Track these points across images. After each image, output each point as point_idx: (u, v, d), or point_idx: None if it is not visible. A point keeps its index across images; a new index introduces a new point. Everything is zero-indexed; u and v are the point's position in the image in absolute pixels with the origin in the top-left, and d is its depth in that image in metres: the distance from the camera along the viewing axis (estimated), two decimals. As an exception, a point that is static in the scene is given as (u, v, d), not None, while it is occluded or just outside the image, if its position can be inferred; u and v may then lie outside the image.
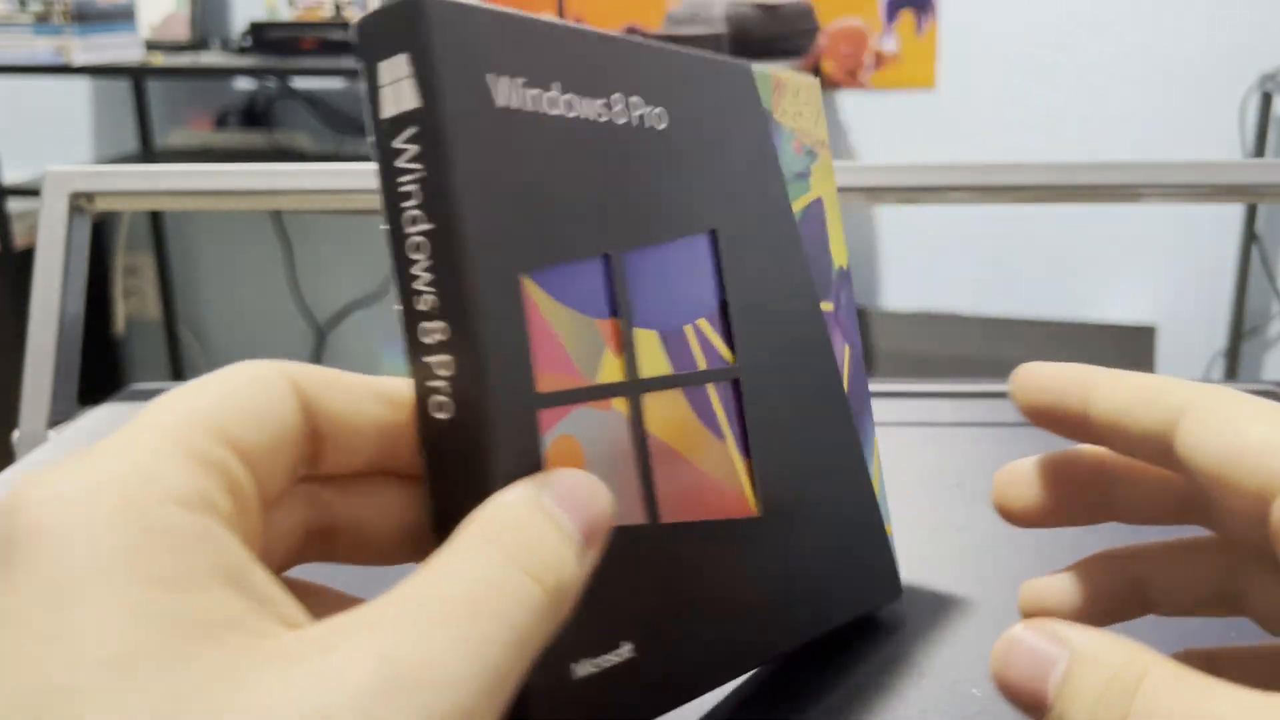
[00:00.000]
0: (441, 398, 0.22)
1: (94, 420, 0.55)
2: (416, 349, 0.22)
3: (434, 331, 0.22)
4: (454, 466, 0.22)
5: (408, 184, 0.22)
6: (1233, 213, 2.05)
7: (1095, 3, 2.01)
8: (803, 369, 0.31)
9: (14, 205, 2.09)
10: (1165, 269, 2.13)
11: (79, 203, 0.56)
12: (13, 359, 0.69)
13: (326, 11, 2.11)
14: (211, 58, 2.08)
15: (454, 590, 0.18)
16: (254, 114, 2.35)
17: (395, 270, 0.22)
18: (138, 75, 2.27)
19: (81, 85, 2.42)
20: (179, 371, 2.51)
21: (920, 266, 2.23)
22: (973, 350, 2.00)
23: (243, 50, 2.07)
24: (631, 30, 2.17)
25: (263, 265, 2.46)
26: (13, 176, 2.11)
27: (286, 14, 2.17)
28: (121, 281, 2.45)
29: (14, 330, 1.88)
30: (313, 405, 0.21)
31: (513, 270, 0.22)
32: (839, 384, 0.33)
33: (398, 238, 0.22)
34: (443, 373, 0.22)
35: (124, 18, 2.06)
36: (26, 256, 2.07)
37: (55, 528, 0.16)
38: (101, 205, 0.57)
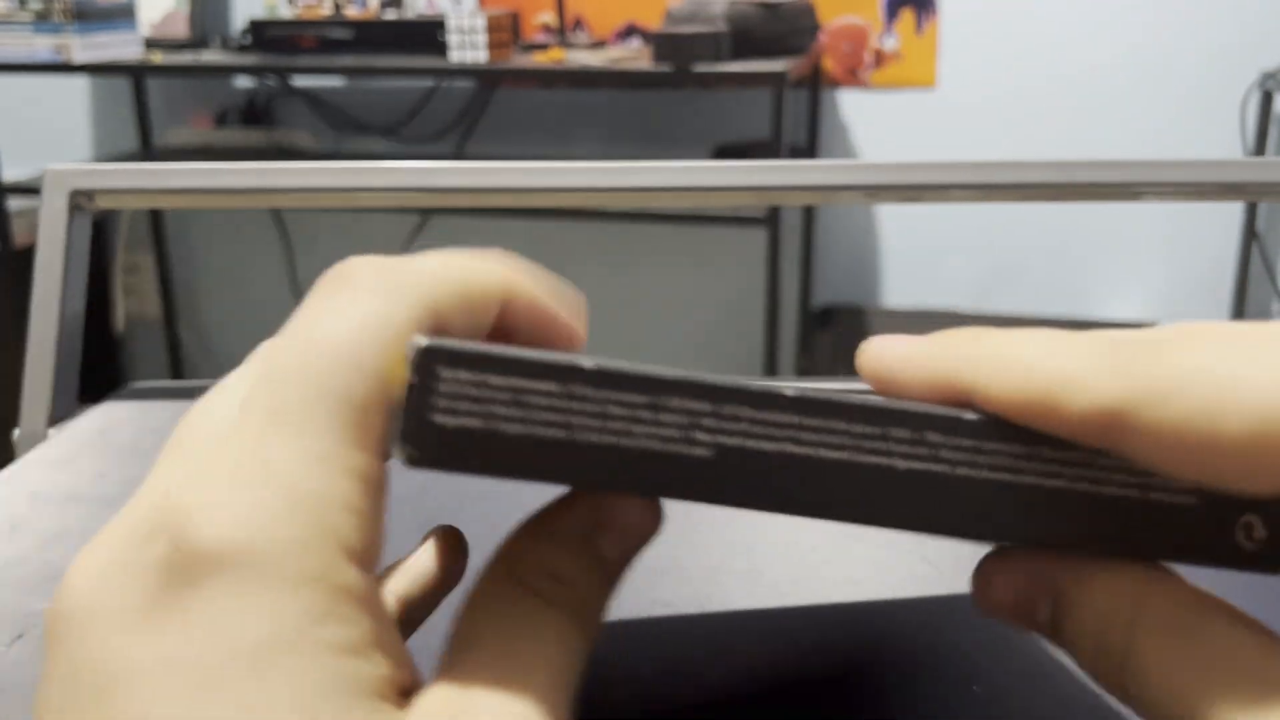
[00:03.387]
0: None
1: (94, 418, 0.55)
2: None
3: None
4: None
5: None
6: (1233, 211, 2.05)
7: (1095, 2, 2.01)
8: None
9: (14, 204, 2.09)
10: (1165, 268, 2.13)
11: (79, 201, 0.56)
12: (13, 358, 0.69)
13: (326, 9, 2.11)
14: (211, 56, 2.08)
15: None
16: (254, 112, 2.35)
17: None
18: (137, 73, 2.27)
19: (81, 83, 2.43)
20: (179, 370, 2.51)
21: (920, 265, 2.23)
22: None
23: (243, 48, 2.07)
24: (631, 28, 2.17)
25: (263, 265, 2.46)
26: (13, 175, 2.11)
27: (286, 12, 2.17)
28: (121, 280, 2.45)
29: (14, 329, 1.88)
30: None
31: None
32: None
33: None
34: None
35: (124, 16, 2.06)
36: (26, 255, 2.06)
37: (241, 572, 0.16)
38: (102, 203, 0.57)
